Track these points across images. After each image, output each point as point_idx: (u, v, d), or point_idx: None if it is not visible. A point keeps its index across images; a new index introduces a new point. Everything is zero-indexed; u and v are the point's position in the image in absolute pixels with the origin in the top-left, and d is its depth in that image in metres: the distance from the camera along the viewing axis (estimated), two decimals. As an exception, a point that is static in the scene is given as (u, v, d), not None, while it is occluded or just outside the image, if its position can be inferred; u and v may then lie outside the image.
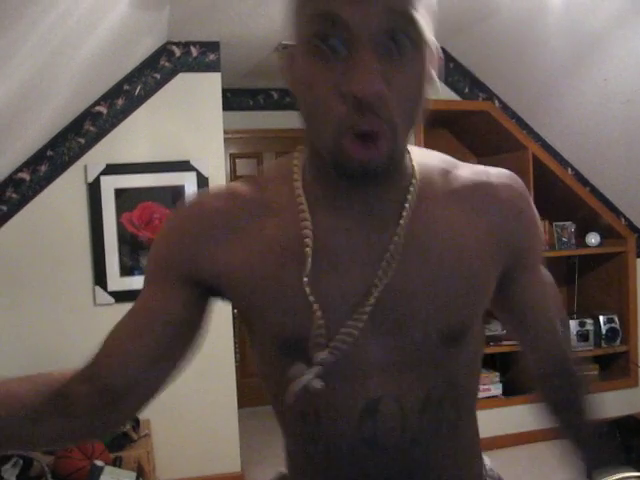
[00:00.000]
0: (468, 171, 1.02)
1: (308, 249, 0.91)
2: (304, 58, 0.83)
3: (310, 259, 0.90)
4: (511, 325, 1.16)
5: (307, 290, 0.90)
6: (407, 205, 0.93)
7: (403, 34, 0.79)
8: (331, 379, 0.91)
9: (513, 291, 1.06)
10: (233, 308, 1.06)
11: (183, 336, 1.01)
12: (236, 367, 4.26)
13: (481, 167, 1.04)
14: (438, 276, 0.93)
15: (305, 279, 0.90)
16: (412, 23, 0.80)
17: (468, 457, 1.08)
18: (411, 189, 0.94)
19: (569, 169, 4.62)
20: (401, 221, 0.92)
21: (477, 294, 0.97)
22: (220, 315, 4.03)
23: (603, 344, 4.74)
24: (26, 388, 0.92)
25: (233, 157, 5.61)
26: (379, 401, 0.93)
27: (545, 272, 1.12)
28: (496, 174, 1.03)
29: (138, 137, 3.93)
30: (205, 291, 1.00)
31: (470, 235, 0.96)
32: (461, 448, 1.04)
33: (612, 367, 4.95)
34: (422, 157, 1.00)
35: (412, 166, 0.97)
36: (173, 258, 0.99)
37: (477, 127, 4.77)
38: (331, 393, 0.93)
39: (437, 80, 0.90)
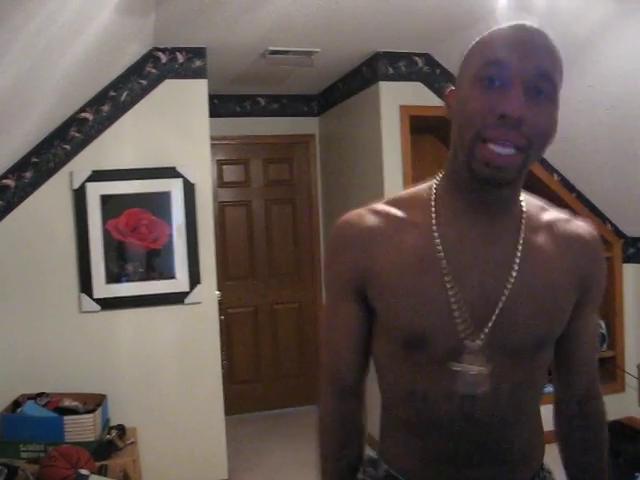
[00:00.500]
0: (558, 211, 1.31)
1: (441, 254, 1.18)
2: (469, 89, 1.12)
3: (444, 263, 1.18)
4: (558, 357, 1.36)
5: (448, 288, 1.17)
6: (522, 228, 1.22)
7: (544, 86, 1.09)
8: (444, 364, 1.19)
9: (575, 325, 1.29)
10: (371, 308, 1.29)
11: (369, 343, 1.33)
12: (224, 374, 4.24)
13: (576, 219, 1.32)
14: (539, 293, 1.19)
15: (446, 280, 1.17)
16: (551, 82, 1.10)
17: (536, 439, 1.35)
18: (524, 216, 1.23)
19: (555, 175, 4.63)
20: (520, 241, 1.20)
21: (562, 313, 1.24)
22: (206, 323, 4.02)
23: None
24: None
25: (220, 163, 5.59)
26: (479, 382, 1.18)
27: (596, 317, 1.39)
28: (580, 220, 1.32)
29: (124, 143, 3.91)
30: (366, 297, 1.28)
31: (561, 264, 1.23)
32: (533, 430, 1.33)
33: (599, 372, 4.95)
34: (525, 195, 1.27)
35: (521, 200, 1.25)
36: (350, 275, 1.27)
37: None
38: (439, 376, 1.20)
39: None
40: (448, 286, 1.16)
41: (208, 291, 4.04)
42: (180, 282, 3.98)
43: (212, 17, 3.46)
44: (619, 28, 3.22)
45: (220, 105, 5.43)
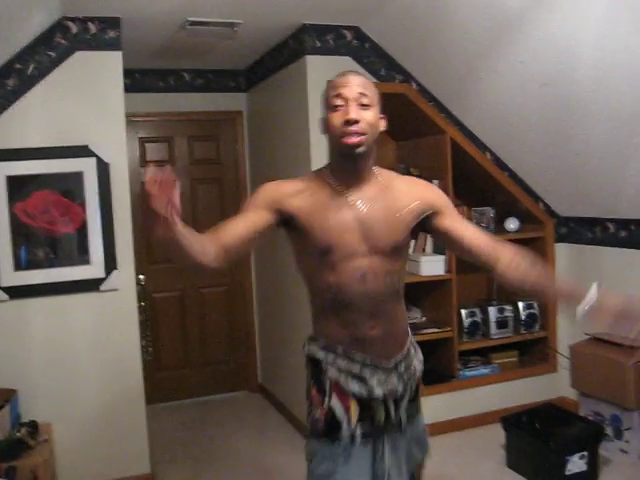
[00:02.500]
0: (401, 176, 2.28)
1: (341, 199, 2.04)
2: (329, 113, 1.98)
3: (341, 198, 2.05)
4: (459, 249, 2.20)
5: (345, 210, 2.03)
6: (379, 182, 2.09)
7: (365, 100, 1.95)
8: (347, 262, 2.00)
9: (448, 226, 2.14)
10: (291, 232, 2.09)
11: (257, 236, 2.02)
12: (149, 361, 4.04)
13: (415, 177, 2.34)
14: (389, 215, 2.03)
15: (347, 214, 2.03)
16: (367, 97, 1.96)
17: (403, 318, 2.21)
18: (379, 178, 2.10)
19: (488, 153, 4.56)
20: (378, 189, 2.07)
21: (404, 228, 2.06)
22: (124, 311, 3.81)
23: (522, 330, 4.73)
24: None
25: (142, 141, 5.33)
26: (367, 272, 2.00)
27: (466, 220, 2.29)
28: (422, 180, 2.31)
29: (32, 120, 3.63)
30: (279, 220, 2.04)
31: (403, 198, 2.08)
32: (401, 310, 2.18)
33: (531, 353, 4.95)
34: (380, 168, 2.16)
35: (375, 169, 2.13)
36: (267, 197, 2.05)
37: (394, 110, 4.61)
38: (345, 269, 2.00)
39: (383, 124, 2.07)
40: (353, 214, 2.01)
41: (126, 277, 3.81)
42: (95, 268, 3.74)
43: (124, -16, 3.23)
44: (551, 2, 3.09)
45: (142, 80, 5.17)
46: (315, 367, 2.12)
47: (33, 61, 3.62)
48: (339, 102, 1.93)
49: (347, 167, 2.02)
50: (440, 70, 4.19)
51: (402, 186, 2.11)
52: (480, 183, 4.73)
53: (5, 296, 3.60)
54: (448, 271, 4.48)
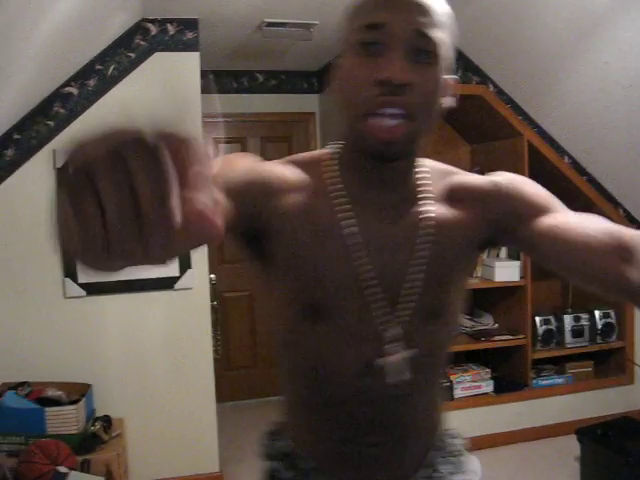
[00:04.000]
0: (467, 176, 1.25)
1: (349, 230, 1.12)
2: (349, 58, 1.06)
3: (349, 236, 1.11)
4: (552, 259, 1.15)
5: (356, 263, 1.11)
6: (421, 201, 1.17)
7: (425, 46, 1.03)
8: (339, 341, 1.13)
9: (530, 232, 1.14)
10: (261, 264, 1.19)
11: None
12: (218, 360, 4.08)
13: (469, 173, 1.27)
14: (439, 269, 1.15)
15: (355, 254, 1.11)
16: (432, 43, 1.03)
17: (437, 411, 1.31)
18: (423, 187, 1.17)
19: (566, 157, 4.44)
20: (419, 216, 1.15)
21: (462, 278, 1.22)
22: (197, 309, 3.84)
23: (598, 340, 4.59)
24: None
25: (215, 142, 5.39)
26: (378, 359, 1.13)
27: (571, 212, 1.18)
28: (477, 176, 1.26)
29: (111, 120, 3.69)
30: (243, 227, 1.10)
31: (460, 226, 1.17)
32: (435, 400, 1.29)
33: (607, 364, 4.80)
34: (429, 162, 1.24)
35: (421, 170, 1.20)
36: (257, 180, 1.12)
37: (470, 113, 4.57)
38: (341, 350, 1.14)
39: (450, 97, 1.12)
40: (356, 262, 1.11)
41: (200, 276, 3.85)
42: (170, 266, 3.78)
43: (203, -15, 3.26)
44: (639, 2, 3.00)
45: (216, 81, 5.21)
46: None
47: (113, 62, 3.68)
48: (373, 38, 1.03)
49: (367, 173, 1.14)
50: (518, 71, 4.11)
51: (458, 194, 1.20)
52: (557, 188, 4.57)
53: (82, 292, 3.67)
54: (523, 277, 4.38)
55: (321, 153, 1.23)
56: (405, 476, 1.24)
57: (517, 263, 4.38)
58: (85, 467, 3.15)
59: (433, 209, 1.16)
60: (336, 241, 1.11)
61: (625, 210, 4.59)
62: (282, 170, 1.16)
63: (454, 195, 1.20)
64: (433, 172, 1.22)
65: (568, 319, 4.55)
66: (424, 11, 1.03)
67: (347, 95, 1.07)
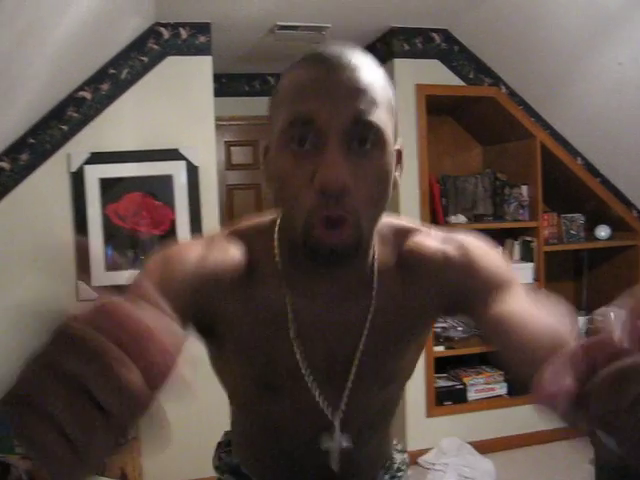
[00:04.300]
0: (419, 241, 1.13)
1: (291, 316, 1.07)
2: (278, 151, 0.95)
3: (294, 327, 1.07)
4: (495, 343, 1.04)
5: (295, 349, 1.07)
6: (374, 280, 1.09)
7: (366, 136, 0.91)
8: (288, 414, 1.15)
9: (481, 316, 1.06)
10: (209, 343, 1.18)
11: None
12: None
13: (425, 232, 1.16)
14: (390, 348, 1.12)
15: (294, 343, 1.07)
16: (373, 129, 0.92)
17: (385, 445, 1.34)
18: (375, 266, 1.09)
19: (579, 159, 4.42)
20: (372, 296, 1.09)
21: (407, 351, 1.16)
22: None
23: (613, 341, 4.55)
24: None
25: (228, 145, 5.40)
26: (325, 431, 1.12)
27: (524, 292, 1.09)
28: (432, 238, 1.14)
29: (124, 124, 3.72)
30: (191, 321, 1.02)
31: (414, 302, 1.11)
32: (381, 445, 1.32)
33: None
34: (388, 225, 1.13)
35: (374, 246, 1.09)
36: (186, 283, 1.01)
37: (482, 114, 4.57)
38: (291, 420, 1.15)
39: (398, 177, 1.02)
40: (297, 353, 1.08)
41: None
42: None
43: (216, -11, 3.27)
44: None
45: (228, 84, 5.23)
46: None
47: (126, 66, 3.70)
48: (302, 135, 0.92)
49: (313, 268, 1.05)
50: (531, 73, 4.10)
51: (411, 263, 1.12)
52: (570, 189, 4.60)
53: (96, 295, 3.68)
54: (536, 279, 4.37)
55: (266, 224, 1.14)
56: None
57: (530, 265, 4.36)
58: (100, 470, 3.16)
59: (382, 284, 1.10)
60: (280, 329, 1.07)
61: (638, 211, 4.56)
62: (224, 258, 1.07)
63: (407, 264, 1.12)
64: (386, 238, 1.13)
65: (582, 320, 4.53)
66: (359, 92, 0.92)
67: (282, 196, 0.96)
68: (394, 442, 1.39)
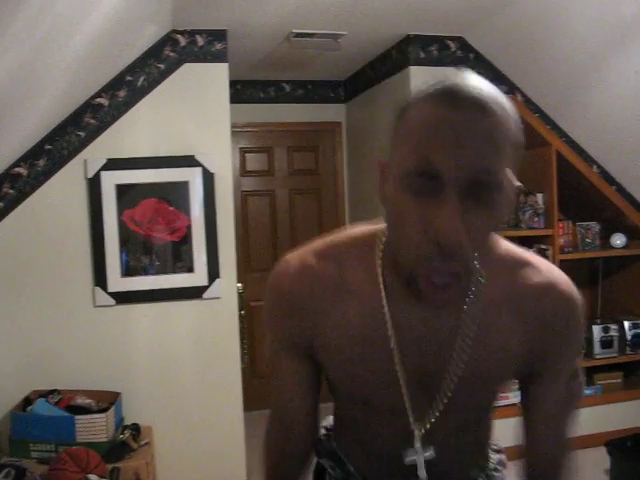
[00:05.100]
0: (530, 275, 1.13)
1: (390, 334, 1.10)
2: (397, 190, 0.96)
3: (394, 343, 1.10)
4: (524, 418, 1.24)
5: (397, 369, 1.11)
6: (471, 302, 1.09)
7: (485, 181, 0.90)
8: (379, 427, 1.23)
9: (534, 390, 1.19)
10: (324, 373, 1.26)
11: (318, 389, 1.28)
12: (245, 369, 4.09)
13: (545, 271, 1.15)
14: (481, 373, 1.12)
15: (396, 362, 1.11)
16: (496, 187, 0.92)
17: (477, 448, 1.34)
18: (478, 288, 1.09)
19: (594, 167, 4.40)
20: (467, 319, 1.09)
21: (502, 383, 1.19)
22: (225, 319, 3.86)
23: (628, 350, 4.53)
24: None
25: (243, 151, 5.42)
26: (418, 440, 1.17)
27: (575, 384, 1.22)
28: (552, 282, 1.13)
29: (141, 130, 3.74)
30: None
31: (510, 339, 1.11)
32: (472, 446, 1.31)
33: (637, 375, 4.74)
34: (498, 251, 1.12)
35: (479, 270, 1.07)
36: (290, 338, 1.19)
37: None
38: (385, 430, 1.22)
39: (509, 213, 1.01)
40: (397, 367, 1.11)
41: (228, 286, 3.87)
42: (198, 276, 3.81)
43: (233, -3, 3.29)
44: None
45: (243, 91, 5.25)
46: (317, 475, 1.45)
47: (143, 73, 3.73)
48: (424, 187, 0.92)
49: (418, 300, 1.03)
50: (547, 81, 4.09)
51: (515, 301, 1.12)
52: (586, 197, 4.58)
53: (112, 301, 3.71)
54: (551, 287, 4.35)
55: (366, 237, 1.16)
56: None
57: (545, 273, 4.34)
58: (114, 475, 3.17)
59: (483, 312, 1.10)
60: (380, 346, 1.11)
61: (655, 220, 4.55)
62: (323, 276, 1.14)
63: (512, 300, 1.11)
64: (493, 263, 1.10)
65: (597, 330, 4.50)
66: (491, 148, 0.91)
67: (397, 228, 0.99)
68: (491, 442, 1.39)
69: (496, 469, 1.38)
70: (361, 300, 1.11)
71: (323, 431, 1.43)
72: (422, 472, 1.16)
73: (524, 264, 1.14)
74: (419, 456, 1.16)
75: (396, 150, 0.99)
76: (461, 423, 1.20)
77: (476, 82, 0.95)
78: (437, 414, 1.15)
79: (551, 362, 1.15)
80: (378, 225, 1.15)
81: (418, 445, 1.16)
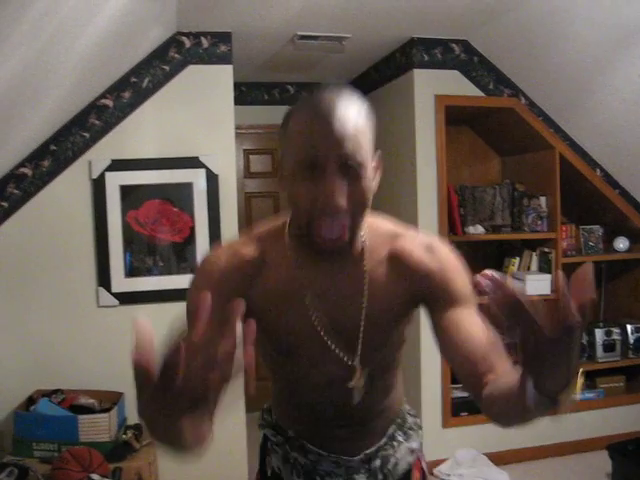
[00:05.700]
0: (403, 241, 1.48)
1: (306, 292, 1.41)
2: (292, 179, 1.31)
3: (308, 296, 1.41)
4: (442, 348, 1.43)
5: (311, 313, 1.41)
6: (364, 264, 1.44)
7: (353, 171, 1.27)
8: (308, 369, 1.48)
9: (446, 323, 1.40)
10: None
11: None
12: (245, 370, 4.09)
13: (413, 236, 1.51)
14: (381, 316, 1.44)
15: (310, 308, 1.41)
16: (358, 166, 1.27)
17: (394, 400, 1.64)
18: (365, 254, 1.44)
19: (598, 170, 4.41)
20: (364, 277, 1.43)
21: (400, 324, 1.50)
22: (228, 319, 3.85)
23: (631, 354, 4.53)
24: None
25: (247, 153, 5.44)
26: (336, 380, 1.46)
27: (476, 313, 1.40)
28: (418, 243, 1.48)
29: (145, 132, 3.76)
30: None
31: (395, 286, 1.45)
32: (391, 394, 1.61)
33: (639, 379, 4.74)
34: (375, 222, 1.50)
35: (363, 238, 1.45)
36: (227, 285, 1.38)
37: (502, 125, 4.57)
38: (308, 376, 1.48)
39: (376, 183, 1.39)
40: (313, 316, 1.41)
41: (230, 286, 3.87)
42: (202, 277, 3.81)
43: (238, 0, 3.29)
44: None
45: (247, 93, 5.27)
46: (262, 446, 1.70)
47: (148, 74, 3.74)
48: (309, 171, 1.27)
49: (316, 257, 1.40)
50: (551, 84, 4.09)
51: (395, 261, 1.46)
52: (589, 200, 4.59)
53: (115, 301, 3.72)
54: (554, 291, 4.35)
55: (278, 225, 1.49)
56: (368, 445, 1.58)
57: (548, 276, 4.35)
58: (117, 475, 3.18)
59: (373, 268, 1.44)
60: (297, 304, 1.40)
61: (658, 224, 4.55)
62: (245, 256, 1.43)
63: (391, 261, 1.46)
64: (377, 236, 1.47)
65: (600, 333, 4.50)
66: (348, 140, 1.25)
67: (296, 208, 1.33)
68: (407, 407, 1.73)
69: (411, 428, 1.69)
70: (278, 270, 1.43)
71: (263, 412, 1.73)
72: (358, 396, 1.47)
73: (400, 234, 1.49)
74: (358, 382, 1.45)
75: (286, 149, 1.34)
76: (379, 366, 1.51)
77: (335, 96, 1.30)
78: (358, 354, 1.44)
79: (441, 294, 1.43)
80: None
81: (358, 373, 1.45)
